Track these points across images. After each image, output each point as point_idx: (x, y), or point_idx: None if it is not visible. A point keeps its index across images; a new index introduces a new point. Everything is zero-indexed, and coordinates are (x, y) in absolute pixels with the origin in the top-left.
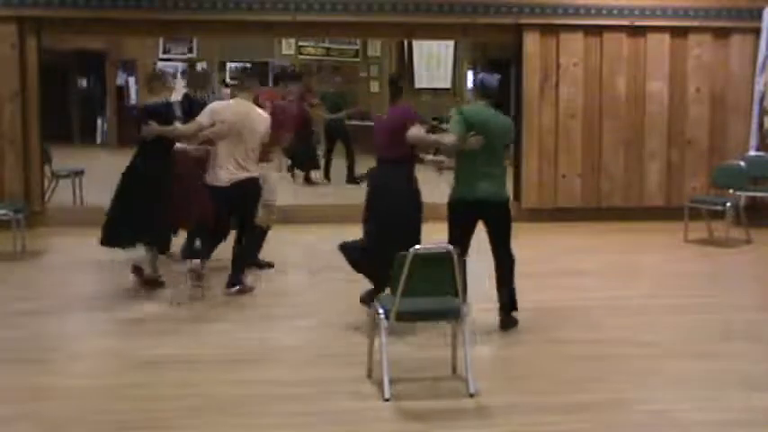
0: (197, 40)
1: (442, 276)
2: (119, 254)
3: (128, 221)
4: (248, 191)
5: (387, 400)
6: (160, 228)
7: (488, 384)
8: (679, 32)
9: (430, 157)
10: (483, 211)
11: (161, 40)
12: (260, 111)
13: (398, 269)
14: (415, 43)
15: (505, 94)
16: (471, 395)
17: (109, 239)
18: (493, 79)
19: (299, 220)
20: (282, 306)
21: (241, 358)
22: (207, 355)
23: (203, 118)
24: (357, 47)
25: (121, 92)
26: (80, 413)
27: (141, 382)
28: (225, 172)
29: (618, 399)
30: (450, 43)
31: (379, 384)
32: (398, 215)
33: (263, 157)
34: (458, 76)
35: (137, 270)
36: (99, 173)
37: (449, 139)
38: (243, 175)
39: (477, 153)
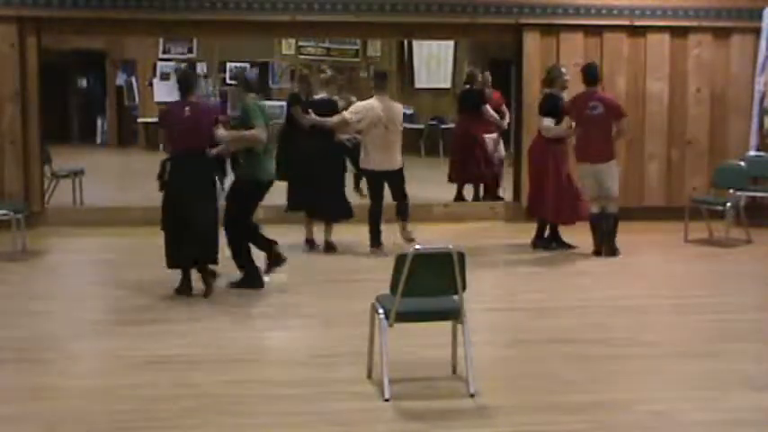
0: (197, 40)
1: (443, 276)
2: (119, 254)
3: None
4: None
5: (387, 400)
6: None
7: (488, 384)
8: (679, 32)
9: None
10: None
11: (161, 40)
12: (398, 105)
13: (398, 269)
14: (415, 43)
15: (506, 93)
16: (471, 395)
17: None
18: (254, 74)
19: (298, 220)
20: (282, 306)
21: (240, 358)
22: (206, 355)
23: (348, 114)
24: (357, 47)
25: (121, 92)
26: (80, 413)
27: (141, 382)
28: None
29: (618, 399)
30: (450, 43)
31: (379, 384)
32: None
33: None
34: (458, 76)
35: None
36: (99, 173)
37: (263, 134)
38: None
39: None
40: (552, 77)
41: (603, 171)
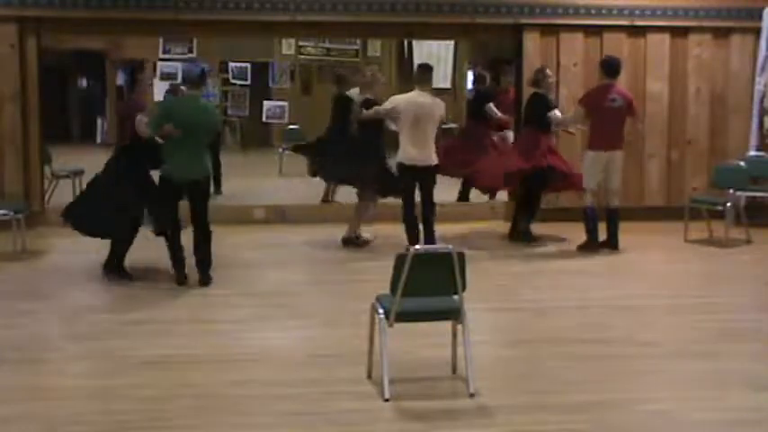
0: (197, 40)
1: (443, 276)
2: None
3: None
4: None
5: (387, 400)
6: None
7: (488, 384)
8: (679, 32)
9: None
10: (187, 188)
11: (161, 40)
12: (437, 100)
13: (398, 269)
14: (415, 43)
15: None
16: (471, 395)
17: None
18: (197, 68)
19: (296, 220)
20: (282, 306)
21: (240, 358)
22: (206, 355)
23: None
24: (357, 47)
25: (121, 92)
26: (80, 413)
27: (141, 382)
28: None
29: (618, 399)
30: (450, 43)
31: (379, 384)
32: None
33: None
34: (458, 76)
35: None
36: None
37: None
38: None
39: (181, 140)
40: (537, 79)
41: (617, 158)
